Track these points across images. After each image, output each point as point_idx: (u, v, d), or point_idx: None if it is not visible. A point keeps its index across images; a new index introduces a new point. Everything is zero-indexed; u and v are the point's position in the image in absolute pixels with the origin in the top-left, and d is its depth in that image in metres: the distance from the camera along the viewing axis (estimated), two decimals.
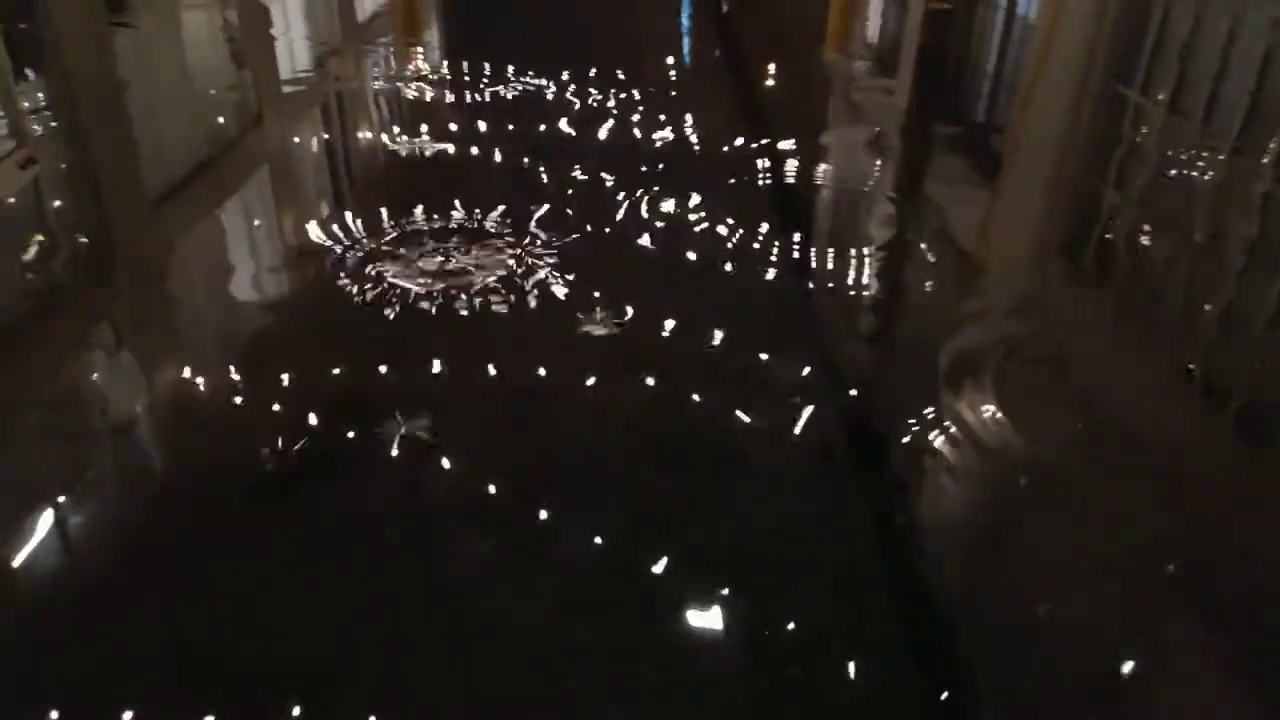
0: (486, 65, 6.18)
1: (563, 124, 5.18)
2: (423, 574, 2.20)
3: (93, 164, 4.73)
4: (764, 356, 3.04)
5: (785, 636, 2.03)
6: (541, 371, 2.93)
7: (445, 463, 2.54)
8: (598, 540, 2.27)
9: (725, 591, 2.12)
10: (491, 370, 2.94)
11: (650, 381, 2.90)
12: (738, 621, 2.07)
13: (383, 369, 2.93)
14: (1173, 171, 4.64)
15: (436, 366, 2.95)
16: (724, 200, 4.20)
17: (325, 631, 2.05)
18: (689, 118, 5.27)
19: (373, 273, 3.54)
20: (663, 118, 5.27)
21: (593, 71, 5.93)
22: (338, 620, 2.08)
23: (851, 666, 1.96)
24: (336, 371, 2.92)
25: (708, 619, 2.07)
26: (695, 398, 2.83)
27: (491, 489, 2.44)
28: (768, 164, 4.78)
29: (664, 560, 2.21)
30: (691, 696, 1.92)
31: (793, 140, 5.00)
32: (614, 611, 2.11)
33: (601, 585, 2.17)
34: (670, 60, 6.82)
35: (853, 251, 3.92)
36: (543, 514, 2.35)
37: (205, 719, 1.82)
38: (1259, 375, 3.19)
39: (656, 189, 4.32)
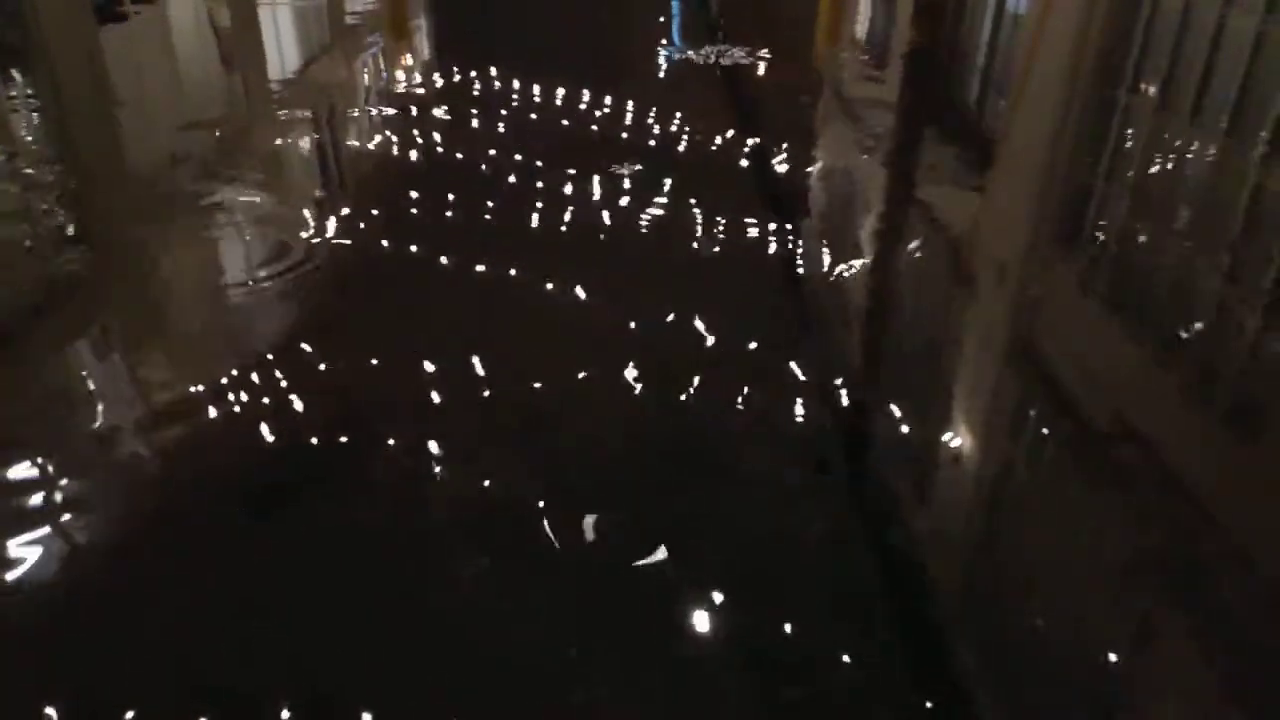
0: (475, 65, 6.17)
1: (554, 122, 5.17)
2: (421, 587, 2.19)
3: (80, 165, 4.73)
4: (760, 361, 3.04)
5: (787, 650, 2.03)
6: (539, 375, 2.92)
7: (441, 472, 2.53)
8: (600, 553, 2.27)
9: (726, 605, 2.12)
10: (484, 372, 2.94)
11: (647, 387, 2.89)
12: (740, 635, 2.06)
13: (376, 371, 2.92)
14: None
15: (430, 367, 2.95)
16: (716, 198, 4.19)
17: (323, 648, 2.03)
18: (679, 114, 5.26)
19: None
20: (653, 114, 5.26)
21: (583, 69, 5.92)
22: (336, 636, 2.06)
23: (852, 678, 1.96)
24: (331, 377, 2.91)
25: (710, 633, 2.06)
26: (691, 404, 2.83)
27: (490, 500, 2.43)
28: (760, 160, 4.77)
29: (666, 572, 2.21)
30: (695, 710, 1.91)
31: (784, 135, 5.00)
32: (615, 626, 2.10)
33: (603, 598, 2.17)
34: (660, 57, 6.82)
35: (847, 249, 3.92)
36: (536, 526, 2.35)
37: None
38: (1251, 371, 3.20)
39: (650, 186, 4.31)
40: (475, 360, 2.99)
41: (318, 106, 5.74)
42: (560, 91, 5.74)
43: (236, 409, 2.80)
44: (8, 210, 4.14)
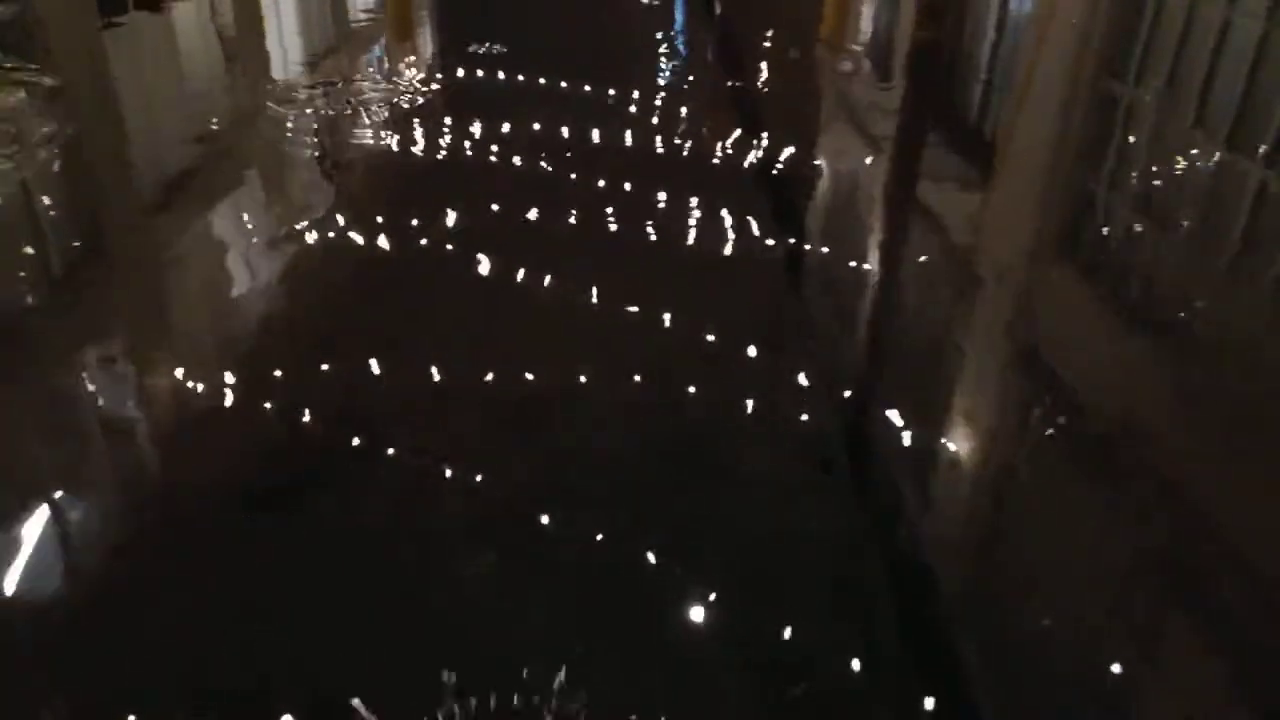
0: (479, 66, 6.17)
1: (557, 123, 5.16)
2: (423, 587, 2.19)
3: (86, 162, 4.74)
4: (762, 361, 3.04)
5: (787, 650, 2.03)
6: (540, 375, 2.93)
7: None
8: (601, 553, 2.27)
9: (728, 605, 2.12)
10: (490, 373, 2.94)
11: (649, 387, 2.90)
12: (740, 634, 2.06)
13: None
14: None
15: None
16: (720, 198, 4.19)
17: (325, 649, 2.04)
18: (684, 116, 5.26)
19: None
20: (657, 116, 5.26)
21: (586, 70, 5.91)
22: (338, 636, 2.07)
23: (852, 678, 1.96)
24: (333, 377, 2.91)
25: (710, 633, 2.07)
26: (694, 405, 2.83)
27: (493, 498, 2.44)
28: (764, 161, 4.77)
29: (666, 573, 2.21)
30: (695, 710, 1.91)
31: (788, 137, 4.99)
32: (615, 626, 2.11)
33: (604, 597, 2.17)
34: (664, 59, 6.82)
35: (850, 251, 3.92)
36: (543, 524, 2.35)
37: None
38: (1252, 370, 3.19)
39: (653, 188, 4.31)
40: (476, 360, 3.00)
41: (320, 104, 5.75)
42: (563, 89, 5.74)
43: (237, 409, 2.80)
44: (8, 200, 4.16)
